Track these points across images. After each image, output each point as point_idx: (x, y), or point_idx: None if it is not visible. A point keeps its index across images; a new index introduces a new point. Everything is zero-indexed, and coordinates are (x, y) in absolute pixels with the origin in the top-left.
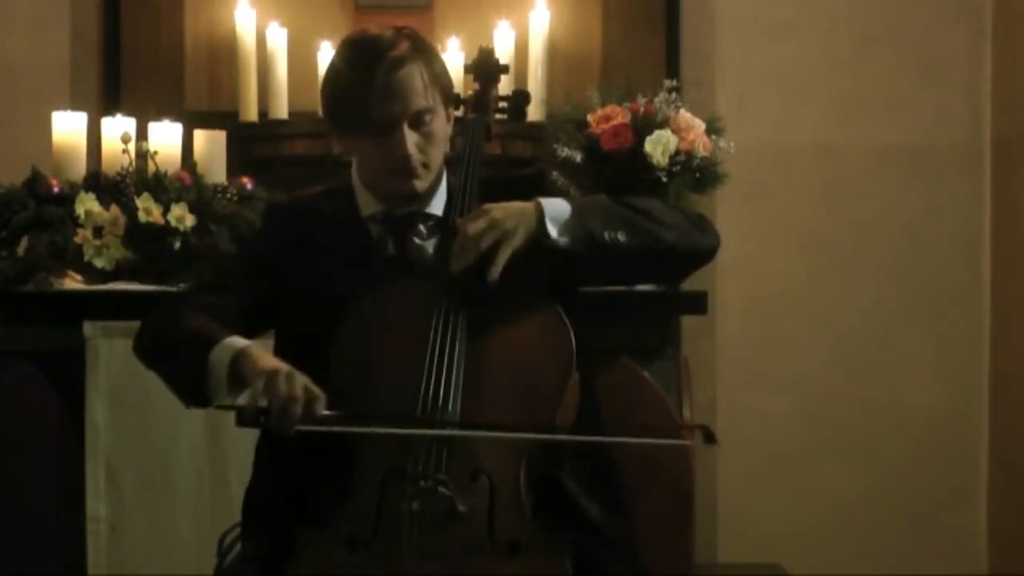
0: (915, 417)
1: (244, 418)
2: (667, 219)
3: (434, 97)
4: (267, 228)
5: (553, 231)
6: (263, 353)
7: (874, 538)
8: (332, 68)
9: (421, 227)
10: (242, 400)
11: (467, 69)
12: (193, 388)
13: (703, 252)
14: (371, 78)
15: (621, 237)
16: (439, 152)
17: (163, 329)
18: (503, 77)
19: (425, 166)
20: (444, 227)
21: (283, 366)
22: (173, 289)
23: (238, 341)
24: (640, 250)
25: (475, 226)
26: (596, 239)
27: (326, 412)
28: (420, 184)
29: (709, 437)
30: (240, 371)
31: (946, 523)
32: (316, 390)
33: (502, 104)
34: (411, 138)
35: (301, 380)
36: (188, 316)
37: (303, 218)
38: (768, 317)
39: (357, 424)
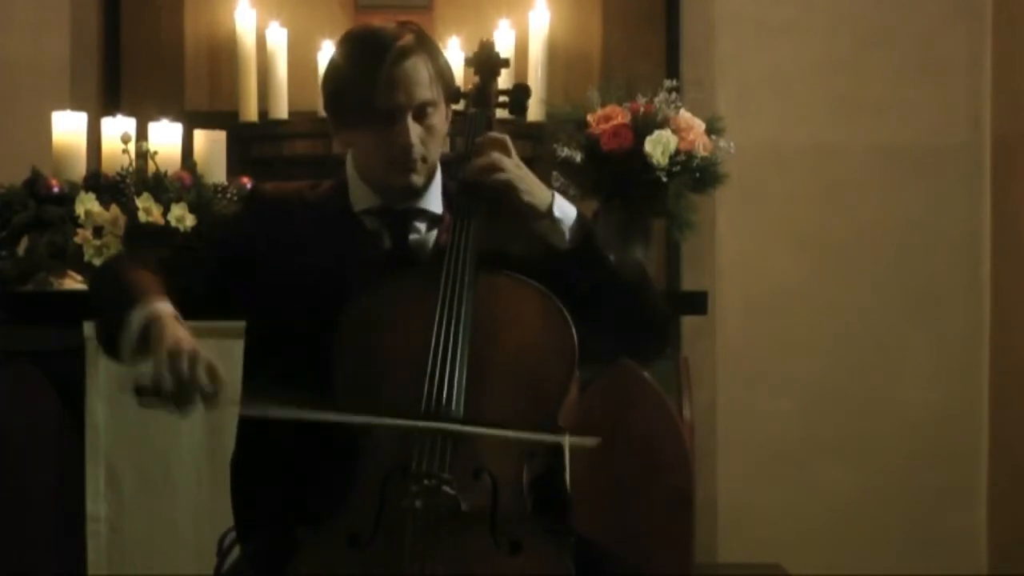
0: (915, 417)
1: (139, 392)
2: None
3: (437, 91)
4: (246, 215)
5: (558, 212)
6: (175, 324)
7: (874, 538)
8: (335, 60)
9: (418, 223)
10: (144, 372)
11: (468, 62)
12: (110, 341)
13: (661, 310)
14: (377, 68)
15: (610, 253)
16: (438, 148)
17: (106, 274)
18: (503, 72)
19: (424, 160)
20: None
21: (189, 344)
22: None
23: (159, 306)
24: (622, 275)
25: (498, 150)
26: (591, 239)
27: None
28: (417, 179)
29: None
30: (148, 338)
31: (946, 523)
32: (221, 376)
33: (503, 98)
34: (414, 130)
35: (205, 362)
36: (133, 269)
37: (287, 209)
38: (768, 317)
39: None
